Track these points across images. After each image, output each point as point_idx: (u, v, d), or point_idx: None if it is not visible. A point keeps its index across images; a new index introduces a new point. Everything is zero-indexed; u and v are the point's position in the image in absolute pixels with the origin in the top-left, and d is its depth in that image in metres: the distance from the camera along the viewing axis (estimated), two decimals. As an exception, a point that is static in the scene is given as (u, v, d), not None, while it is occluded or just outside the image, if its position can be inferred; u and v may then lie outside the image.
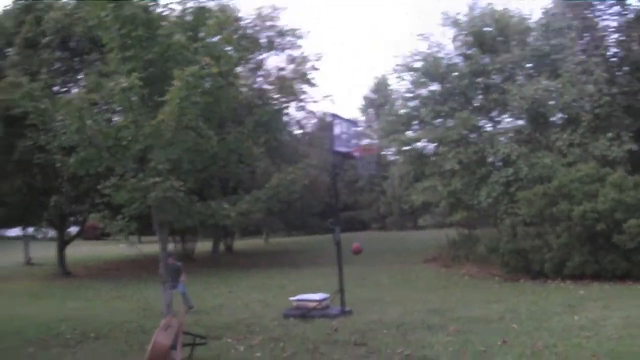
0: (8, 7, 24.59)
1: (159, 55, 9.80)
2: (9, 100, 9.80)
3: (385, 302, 14.64)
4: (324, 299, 13.06)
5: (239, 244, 43.56)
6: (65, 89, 23.30)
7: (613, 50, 19.66)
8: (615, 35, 19.77)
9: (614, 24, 19.94)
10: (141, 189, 9.31)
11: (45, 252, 31.86)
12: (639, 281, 15.28)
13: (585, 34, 19.34)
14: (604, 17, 20.02)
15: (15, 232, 42.85)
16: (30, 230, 35.05)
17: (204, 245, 36.82)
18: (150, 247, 16.90)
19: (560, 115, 21.97)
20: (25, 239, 33.88)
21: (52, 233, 43.54)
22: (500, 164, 21.92)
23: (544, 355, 8.00)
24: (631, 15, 19.19)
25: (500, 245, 18.72)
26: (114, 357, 9.30)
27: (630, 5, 19.58)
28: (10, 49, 23.47)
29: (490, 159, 22.48)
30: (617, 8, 19.81)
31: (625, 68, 19.01)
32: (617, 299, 12.75)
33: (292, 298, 13.35)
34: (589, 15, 19.48)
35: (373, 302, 14.62)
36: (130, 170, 9.78)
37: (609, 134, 18.47)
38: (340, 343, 9.68)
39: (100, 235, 49.36)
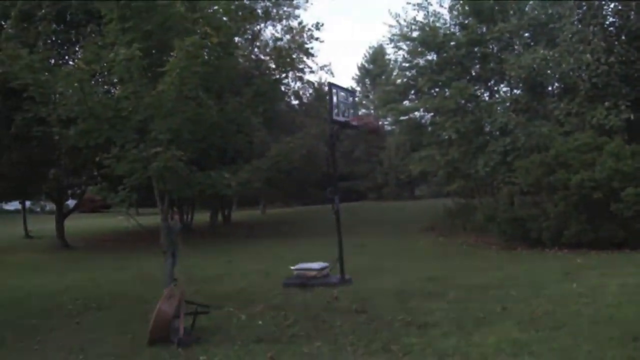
0: (3, -21, 24.25)
1: (158, 26, 9.76)
2: (6, 72, 9.70)
3: (384, 270, 14.74)
4: (324, 268, 13.14)
5: (237, 214, 43.69)
6: (62, 62, 23.10)
7: (611, 19, 19.56)
8: (613, 5, 19.66)
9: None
10: (142, 160, 9.30)
11: (43, 225, 31.94)
12: (635, 249, 15.39)
13: (582, 3, 19.23)
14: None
15: (14, 205, 42.90)
16: (29, 203, 34.96)
17: (201, 216, 36.94)
18: (148, 219, 16.96)
19: (557, 84, 22.00)
20: (24, 212, 33.85)
21: (50, 206, 43.77)
22: (497, 133, 21.96)
23: (543, 322, 8.07)
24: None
25: (498, 214, 18.85)
26: (116, 326, 9.35)
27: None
28: (5, 22, 23.22)
29: (487, 129, 22.53)
30: (615, -24, 19.69)
31: (623, 37, 18.92)
32: (614, 267, 12.85)
33: (292, 267, 13.41)
34: (586, -16, 19.35)
35: (372, 270, 14.73)
36: (131, 141, 9.75)
37: (607, 103, 18.42)
38: (341, 311, 9.75)
39: (98, 207, 49.58)
